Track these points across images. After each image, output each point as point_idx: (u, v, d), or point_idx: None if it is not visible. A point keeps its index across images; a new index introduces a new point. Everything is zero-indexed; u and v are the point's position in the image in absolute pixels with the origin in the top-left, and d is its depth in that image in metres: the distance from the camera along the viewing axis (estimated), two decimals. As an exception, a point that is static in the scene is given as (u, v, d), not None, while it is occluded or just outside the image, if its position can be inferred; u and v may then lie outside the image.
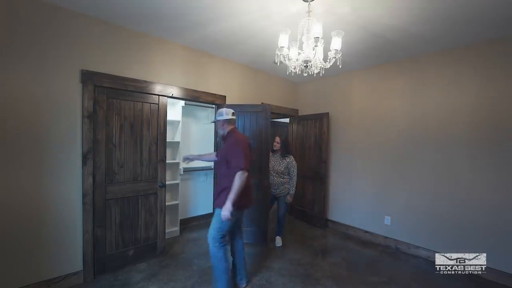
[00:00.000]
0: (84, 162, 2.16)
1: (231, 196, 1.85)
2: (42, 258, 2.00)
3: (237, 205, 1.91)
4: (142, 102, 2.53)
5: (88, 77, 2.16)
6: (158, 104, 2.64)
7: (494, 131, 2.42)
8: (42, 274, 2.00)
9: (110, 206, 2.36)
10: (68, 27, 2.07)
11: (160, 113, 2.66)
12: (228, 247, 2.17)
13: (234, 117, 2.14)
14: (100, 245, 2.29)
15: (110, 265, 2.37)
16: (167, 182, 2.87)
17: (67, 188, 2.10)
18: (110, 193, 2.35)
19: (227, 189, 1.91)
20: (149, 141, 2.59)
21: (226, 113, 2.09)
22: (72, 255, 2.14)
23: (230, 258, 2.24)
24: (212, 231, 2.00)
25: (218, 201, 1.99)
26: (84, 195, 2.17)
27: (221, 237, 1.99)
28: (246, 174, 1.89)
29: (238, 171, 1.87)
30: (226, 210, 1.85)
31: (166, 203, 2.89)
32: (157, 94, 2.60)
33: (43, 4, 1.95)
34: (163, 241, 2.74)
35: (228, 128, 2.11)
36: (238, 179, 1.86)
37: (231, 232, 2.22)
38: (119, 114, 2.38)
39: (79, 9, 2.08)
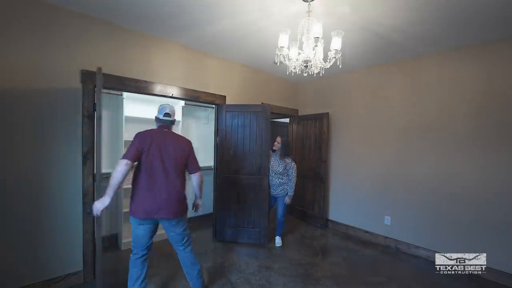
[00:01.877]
0: (84, 162, 2.16)
1: (108, 188, 1.61)
2: (42, 258, 2.00)
3: (134, 209, 1.71)
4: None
5: (88, 77, 2.15)
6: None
7: (495, 130, 2.42)
8: (42, 274, 2.00)
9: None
10: (68, 27, 2.07)
11: None
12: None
13: (165, 118, 1.93)
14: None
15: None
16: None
17: (67, 188, 2.10)
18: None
19: (133, 189, 1.77)
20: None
21: (160, 112, 1.94)
22: (72, 255, 2.14)
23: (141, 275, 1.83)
24: None
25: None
26: (84, 195, 2.17)
27: (134, 248, 1.80)
28: (124, 164, 1.61)
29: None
30: (98, 203, 1.61)
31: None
32: (157, 94, 2.60)
33: (44, 5, 1.95)
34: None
35: (157, 125, 1.96)
36: (116, 168, 1.60)
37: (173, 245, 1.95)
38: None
39: (80, 10, 2.08)
